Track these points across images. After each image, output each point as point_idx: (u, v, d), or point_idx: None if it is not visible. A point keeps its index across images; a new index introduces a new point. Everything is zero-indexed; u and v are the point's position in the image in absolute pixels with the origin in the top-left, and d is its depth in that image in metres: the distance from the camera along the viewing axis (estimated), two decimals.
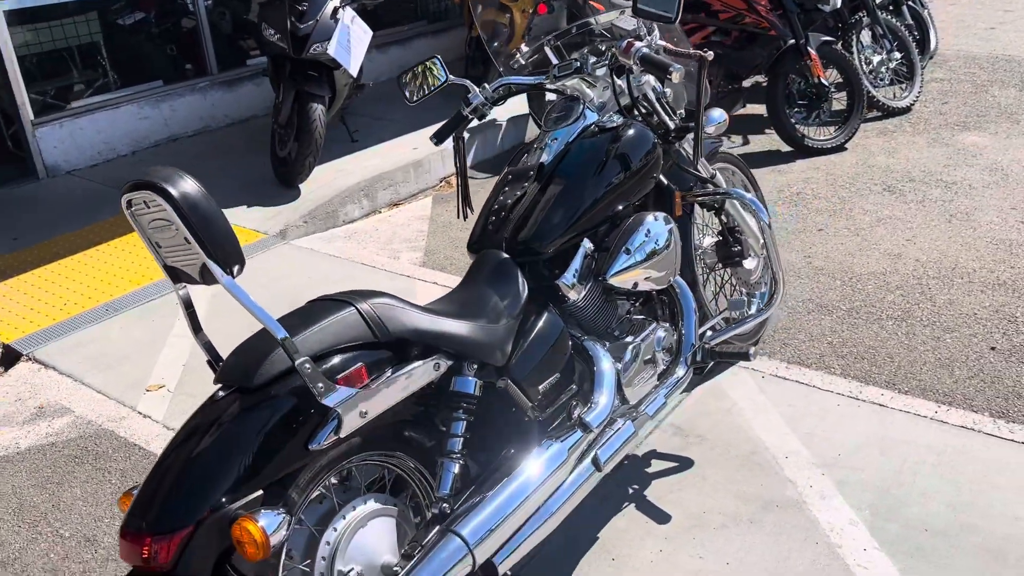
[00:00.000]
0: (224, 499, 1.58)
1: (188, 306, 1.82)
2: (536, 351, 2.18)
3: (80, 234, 4.89)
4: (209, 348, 1.86)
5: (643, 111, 2.64)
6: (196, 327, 1.84)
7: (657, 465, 2.74)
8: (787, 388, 3.10)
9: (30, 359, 3.73)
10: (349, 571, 1.82)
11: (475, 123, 2.82)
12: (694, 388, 3.12)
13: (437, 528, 1.87)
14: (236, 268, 1.67)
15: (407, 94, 2.71)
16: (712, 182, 2.86)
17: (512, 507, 1.93)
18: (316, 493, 1.87)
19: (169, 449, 1.67)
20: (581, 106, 2.56)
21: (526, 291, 2.23)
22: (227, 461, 1.62)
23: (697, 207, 3.04)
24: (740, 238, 3.06)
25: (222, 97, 6.69)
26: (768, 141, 5.94)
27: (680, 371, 2.57)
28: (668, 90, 2.70)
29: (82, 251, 4.67)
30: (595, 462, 2.19)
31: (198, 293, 4.14)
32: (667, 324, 2.59)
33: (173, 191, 1.58)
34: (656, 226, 2.46)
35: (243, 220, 4.93)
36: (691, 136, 2.73)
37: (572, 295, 2.33)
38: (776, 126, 5.74)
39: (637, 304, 2.60)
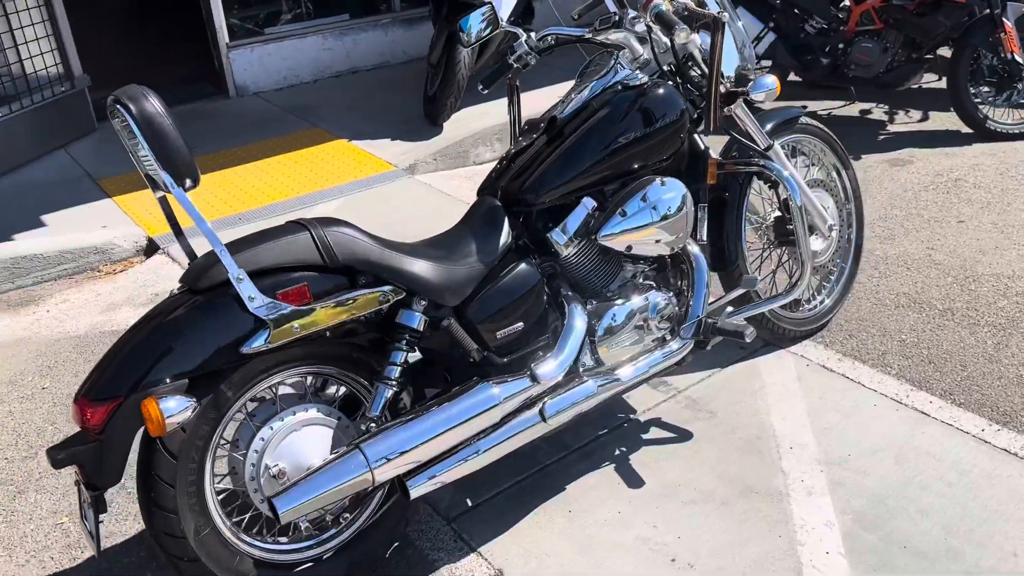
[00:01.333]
0: (153, 380, 1.81)
1: (167, 212, 2.06)
2: (499, 298, 2.24)
3: (246, 149, 5.43)
4: (190, 252, 2.10)
5: (687, 72, 2.56)
6: (177, 231, 2.08)
7: (655, 432, 2.72)
8: (827, 380, 2.93)
9: (164, 253, 4.26)
10: (274, 466, 2.02)
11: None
12: (729, 365, 3.03)
13: (349, 443, 2.03)
14: (188, 182, 1.87)
15: (463, 39, 2.79)
16: (762, 153, 2.73)
17: (425, 438, 2.04)
18: (262, 393, 2.08)
19: (125, 333, 1.93)
20: (613, 60, 2.53)
21: (508, 239, 2.29)
22: (161, 349, 1.85)
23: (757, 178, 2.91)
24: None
25: (402, 34, 7.05)
26: (949, 119, 5.41)
27: (674, 343, 2.52)
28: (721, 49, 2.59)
29: (240, 164, 5.18)
30: (541, 413, 2.23)
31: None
32: (669, 292, 2.54)
33: (132, 106, 1.80)
34: (658, 191, 2.40)
35: (382, 152, 5.24)
36: (740, 103, 2.63)
37: (562, 250, 2.36)
38: (955, 104, 5.21)
39: (648, 268, 2.57)
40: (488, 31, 2.71)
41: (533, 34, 2.68)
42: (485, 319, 2.22)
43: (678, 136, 2.48)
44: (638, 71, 2.50)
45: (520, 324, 2.28)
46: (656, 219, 2.40)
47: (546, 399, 2.25)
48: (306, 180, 4.93)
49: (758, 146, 2.74)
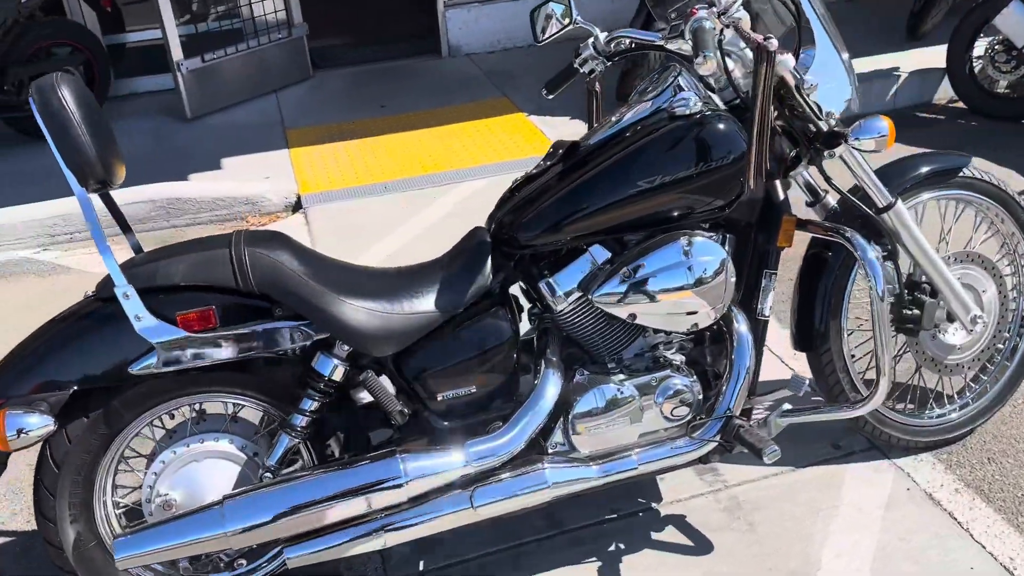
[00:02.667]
0: (17, 391, 1.72)
1: (109, 206, 1.95)
2: (447, 354, 1.91)
3: (433, 112, 5.34)
4: (136, 250, 1.98)
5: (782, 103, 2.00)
6: (124, 227, 1.97)
7: (671, 533, 2.24)
8: (925, 515, 2.25)
9: (302, 212, 4.31)
10: (165, 495, 1.88)
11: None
12: (807, 466, 2.43)
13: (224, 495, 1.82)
14: (93, 183, 1.74)
15: (536, 32, 2.41)
16: (867, 212, 2.09)
17: (297, 509, 1.79)
18: (174, 415, 1.94)
19: (29, 335, 1.85)
20: (672, 77, 2.03)
21: (486, 282, 1.93)
22: (46, 357, 1.76)
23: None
24: (920, 299, 2.21)
25: (629, 2, 6.58)
26: None
27: (682, 441, 2.02)
28: (812, 79, 1.98)
29: (423, 127, 5.10)
30: (471, 498, 1.88)
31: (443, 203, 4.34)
32: (691, 376, 2.03)
33: (36, 97, 1.68)
34: (678, 253, 1.91)
35: (553, 132, 4.91)
36: (849, 148, 2.03)
37: (553, 304, 1.96)
38: None
39: (683, 338, 2.08)
40: (559, 28, 2.32)
41: (603, 36, 2.24)
42: (424, 376, 1.91)
43: (728, 185, 1.95)
44: (693, 96, 1.98)
45: (472, 388, 1.93)
46: (671, 287, 1.91)
47: (481, 484, 1.90)
48: (469, 152, 4.75)
49: (864, 206, 2.10)
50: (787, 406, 2.17)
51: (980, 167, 2.34)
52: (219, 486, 1.89)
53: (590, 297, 1.93)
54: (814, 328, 2.27)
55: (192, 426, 1.93)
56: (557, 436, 1.98)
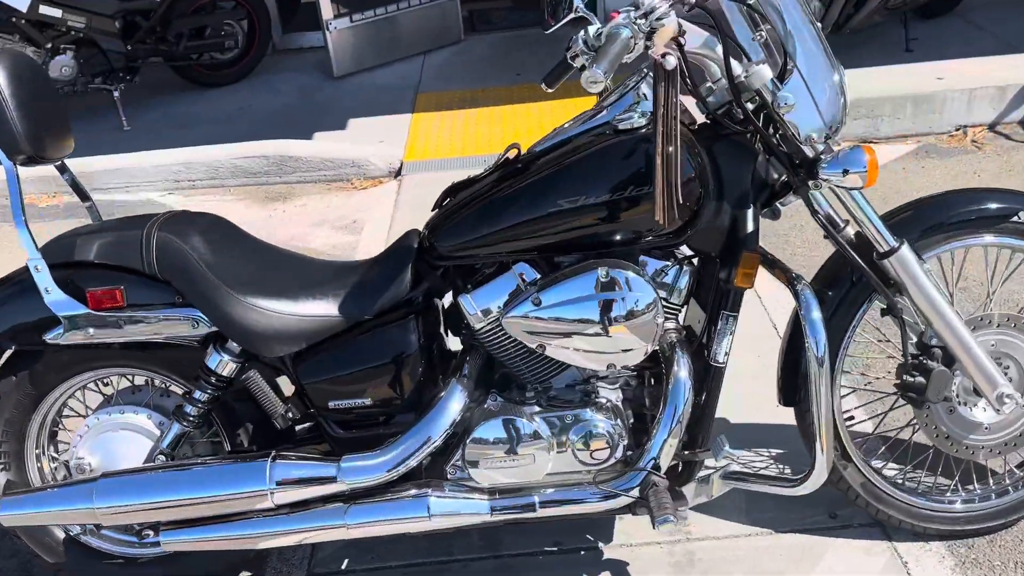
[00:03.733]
0: None
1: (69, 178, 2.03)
2: (343, 362, 1.82)
3: (570, 85, 5.15)
4: (95, 219, 2.06)
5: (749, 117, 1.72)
6: (83, 195, 2.05)
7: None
8: None
9: (398, 179, 4.35)
10: (82, 458, 1.97)
11: None
12: (787, 532, 2.12)
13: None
14: (21, 158, 1.81)
15: (545, 15, 2.21)
16: (863, 268, 1.76)
17: (164, 497, 1.80)
18: (108, 382, 2.02)
19: None
20: (634, 83, 1.79)
21: (403, 289, 1.82)
22: None
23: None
24: (927, 365, 1.84)
25: None
26: None
27: (589, 490, 1.81)
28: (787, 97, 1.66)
29: (555, 99, 4.95)
30: (346, 514, 1.81)
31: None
32: (615, 419, 1.81)
33: None
34: (590, 285, 1.69)
35: None
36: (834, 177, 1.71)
37: (473, 321, 1.82)
38: None
39: (626, 376, 1.87)
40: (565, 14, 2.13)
41: (593, 28, 2.02)
42: (317, 382, 1.84)
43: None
44: (643, 109, 1.74)
45: (367, 400, 1.84)
46: (579, 320, 1.71)
47: (359, 502, 1.82)
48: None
49: (858, 258, 1.77)
50: (734, 467, 1.90)
51: None
52: (129, 458, 1.95)
53: (501, 320, 1.78)
54: (799, 379, 1.96)
55: (118, 396, 2.00)
56: (457, 463, 1.85)
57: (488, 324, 1.82)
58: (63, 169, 2.03)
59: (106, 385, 2.06)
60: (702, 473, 1.91)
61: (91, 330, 1.82)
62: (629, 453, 1.84)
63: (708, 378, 1.85)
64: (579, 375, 1.89)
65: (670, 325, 1.85)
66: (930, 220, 1.88)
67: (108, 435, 1.97)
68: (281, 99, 5.39)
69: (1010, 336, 1.92)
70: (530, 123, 4.70)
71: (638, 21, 1.53)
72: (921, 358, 1.87)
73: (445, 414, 1.80)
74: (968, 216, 1.87)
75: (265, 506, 1.80)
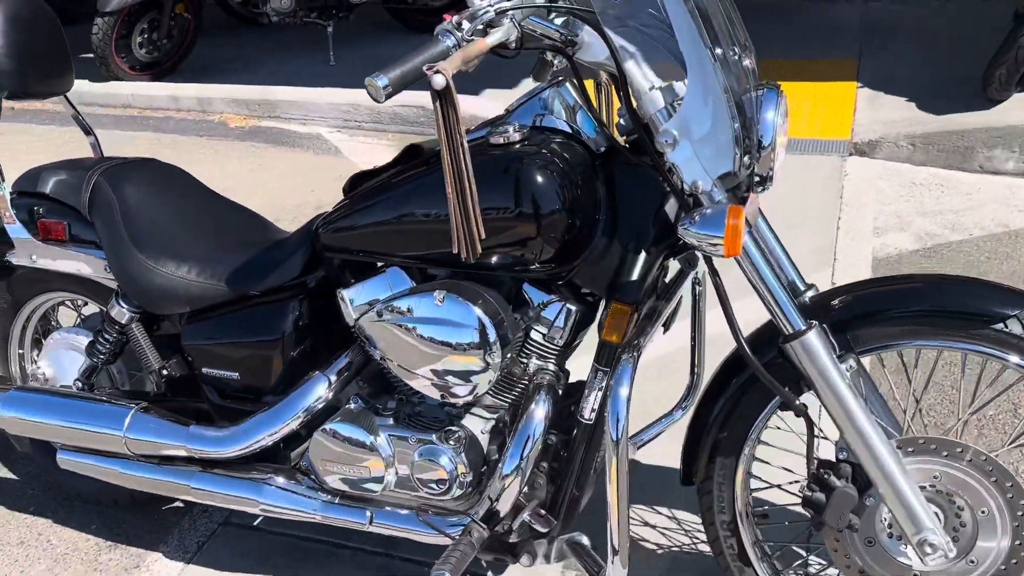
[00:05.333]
0: None
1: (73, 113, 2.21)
2: (220, 331, 1.82)
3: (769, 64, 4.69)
4: (96, 151, 2.24)
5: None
6: (86, 130, 2.23)
7: None
8: None
9: None
10: (38, 369, 2.18)
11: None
12: None
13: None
14: (4, 93, 2.00)
15: None
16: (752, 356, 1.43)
17: (48, 418, 1.95)
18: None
19: None
20: (539, 91, 1.59)
21: (290, 273, 1.78)
22: None
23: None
24: (828, 482, 1.48)
25: None
26: None
27: (435, 518, 1.67)
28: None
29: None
30: (190, 479, 1.85)
31: None
32: (460, 453, 1.64)
33: None
34: (423, 307, 1.54)
35: (863, 112, 4.00)
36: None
37: (344, 315, 1.75)
38: None
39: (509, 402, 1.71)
40: None
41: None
42: (193, 345, 1.86)
43: (525, 244, 1.50)
44: (516, 125, 1.53)
45: (235, 373, 1.84)
46: (410, 340, 1.57)
47: (204, 470, 1.84)
48: None
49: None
50: (583, 540, 1.66)
51: None
52: (69, 375, 2.13)
53: (356, 322, 1.69)
54: (696, 458, 1.67)
55: (80, 319, 2.19)
56: (306, 456, 1.81)
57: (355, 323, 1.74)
58: (68, 101, 2.20)
59: (85, 306, 2.25)
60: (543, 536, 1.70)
61: (34, 256, 2.00)
62: (469, 491, 1.69)
63: (574, 436, 1.63)
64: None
65: (542, 365, 1.65)
66: (900, 309, 1.49)
67: (60, 352, 2.16)
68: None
69: (963, 473, 1.48)
70: None
71: (462, 29, 1.33)
72: (825, 471, 1.51)
73: (296, 403, 1.76)
74: (934, 311, 1.46)
75: (121, 451, 1.89)
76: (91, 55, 5.32)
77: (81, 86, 5.37)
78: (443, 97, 1.25)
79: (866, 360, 1.63)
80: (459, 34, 1.32)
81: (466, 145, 1.30)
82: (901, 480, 1.45)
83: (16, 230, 2.00)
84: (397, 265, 1.68)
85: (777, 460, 1.72)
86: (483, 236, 1.35)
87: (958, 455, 1.47)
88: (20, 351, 2.29)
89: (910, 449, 1.49)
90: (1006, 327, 1.43)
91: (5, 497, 2.37)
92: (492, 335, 1.52)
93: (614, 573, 1.54)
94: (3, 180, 2.00)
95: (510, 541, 1.68)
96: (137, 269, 1.84)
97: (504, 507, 1.64)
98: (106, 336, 2.00)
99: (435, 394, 1.61)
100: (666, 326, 1.88)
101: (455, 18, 1.34)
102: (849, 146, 3.78)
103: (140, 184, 1.95)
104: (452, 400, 1.61)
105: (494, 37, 1.33)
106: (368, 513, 1.75)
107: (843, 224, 3.24)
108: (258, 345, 1.82)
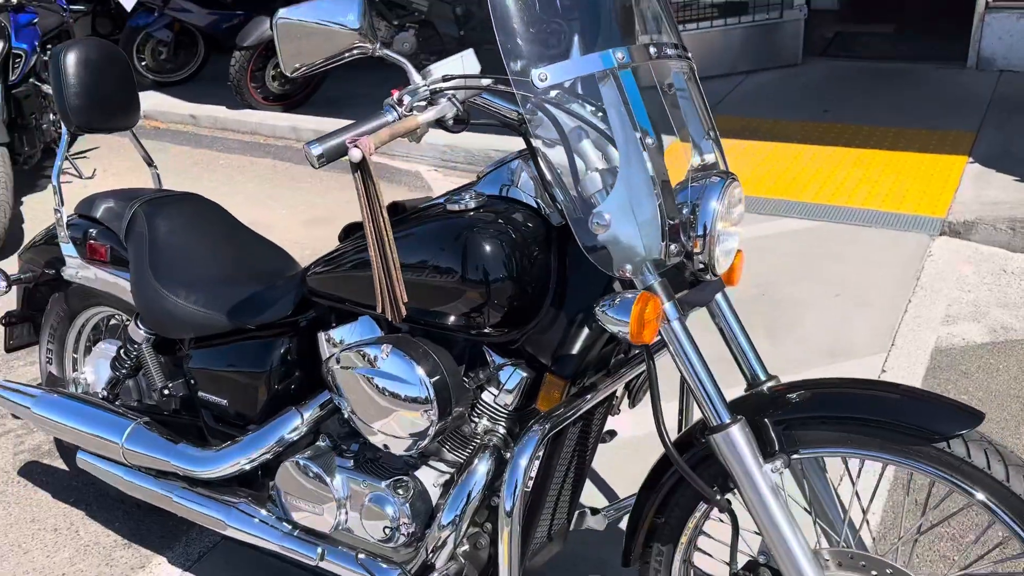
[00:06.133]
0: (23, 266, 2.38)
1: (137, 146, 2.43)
2: (214, 359, 1.95)
3: (878, 132, 4.52)
4: (156, 182, 2.45)
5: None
6: (148, 162, 2.45)
7: None
8: None
9: None
10: (82, 375, 2.40)
11: None
12: None
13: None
14: (73, 125, 2.23)
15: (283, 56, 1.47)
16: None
17: (66, 419, 2.14)
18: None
19: None
20: (509, 159, 1.63)
21: (283, 311, 1.89)
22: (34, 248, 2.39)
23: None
24: None
25: None
26: None
27: (378, 560, 1.72)
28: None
29: (843, 146, 4.39)
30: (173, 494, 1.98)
31: None
32: (405, 503, 1.68)
33: (50, 60, 2.21)
34: (372, 357, 1.60)
35: (966, 187, 3.78)
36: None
37: (322, 357, 1.85)
38: None
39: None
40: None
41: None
42: (193, 368, 2.00)
43: (467, 308, 1.53)
44: (471, 194, 1.57)
45: (226, 400, 1.96)
46: (356, 389, 1.63)
47: (188, 487, 1.96)
48: (854, 188, 3.97)
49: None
50: None
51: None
52: (102, 383, 2.33)
53: (324, 364, 1.77)
54: (635, 540, 1.64)
55: (121, 333, 2.40)
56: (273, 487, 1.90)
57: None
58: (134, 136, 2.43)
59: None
60: None
61: (80, 273, 2.22)
62: (410, 542, 1.73)
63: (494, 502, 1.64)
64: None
65: (491, 427, 1.67)
66: (825, 411, 1.43)
67: (99, 361, 2.37)
68: None
69: None
70: (803, 168, 4.23)
71: (402, 103, 1.40)
72: (746, 573, 1.45)
73: (269, 436, 1.86)
74: (875, 420, 1.38)
75: (118, 458, 2.05)
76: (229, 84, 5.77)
77: (217, 111, 5.86)
78: (361, 169, 1.32)
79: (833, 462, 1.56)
80: (400, 109, 1.40)
81: (385, 214, 1.36)
82: None
83: (68, 248, 2.22)
84: (368, 315, 1.76)
85: (721, 553, 1.66)
86: (406, 299, 1.40)
87: (883, 572, 1.39)
88: (74, 355, 2.52)
89: (838, 562, 1.42)
90: (948, 447, 1.34)
91: (55, 485, 2.61)
92: (429, 392, 1.56)
93: None
94: (63, 204, 2.23)
95: None
96: (151, 294, 2.01)
97: (439, 562, 1.67)
98: (125, 352, 2.18)
99: (379, 443, 1.67)
100: (632, 402, 1.87)
101: (397, 94, 1.41)
102: (942, 225, 3.57)
103: (172, 217, 2.12)
104: (394, 452, 1.66)
105: (427, 115, 1.39)
106: (320, 550, 1.81)
107: (912, 308, 3.07)
108: (247, 375, 1.94)
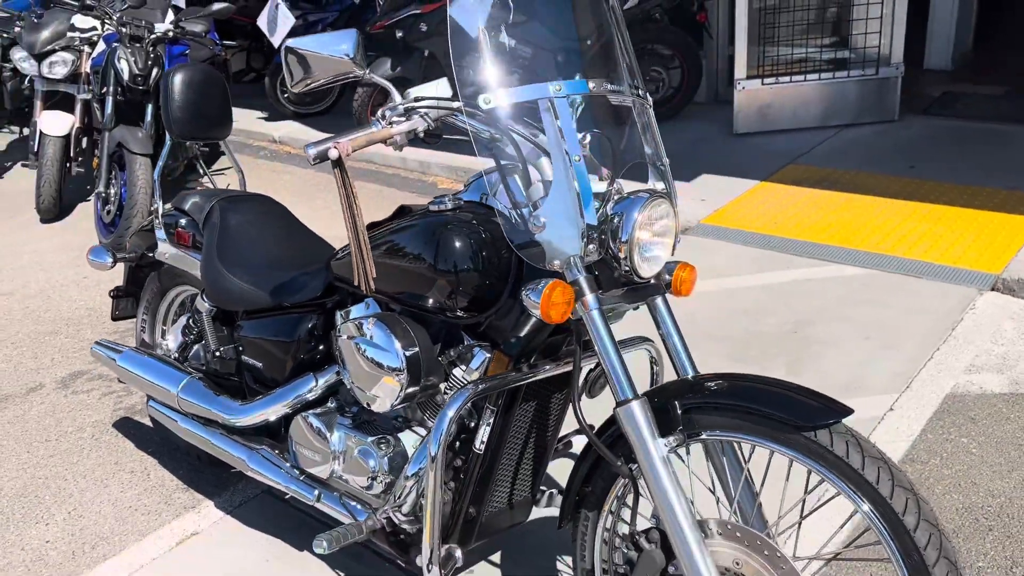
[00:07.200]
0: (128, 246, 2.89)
1: (228, 156, 2.90)
2: (254, 329, 2.34)
3: (961, 189, 4.53)
4: (242, 186, 2.91)
5: None
6: (239, 170, 2.91)
7: None
8: None
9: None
10: (165, 342, 2.85)
11: None
12: None
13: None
14: (176, 136, 2.72)
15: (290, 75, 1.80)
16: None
17: (140, 371, 2.56)
18: None
19: None
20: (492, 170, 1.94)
21: (312, 294, 2.25)
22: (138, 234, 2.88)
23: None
24: (639, 542, 1.64)
25: None
26: None
27: (361, 506, 2.05)
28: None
29: (924, 201, 4.41)
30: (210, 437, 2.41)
31: None
32: (383, 455, 1.99)
33: (161, 84, 2.71)
34: (360, 327, 1.93)
35: None
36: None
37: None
38: None
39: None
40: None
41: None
42: (241, 336, 2.39)
43: (437, 293, 1.83)
44: (451, 196, 1.89)
45: (260, 364, 2.34)
46: (346, 355, 1.97)
47: (223, 433, 2.35)
48: (916, 240, 4.04)
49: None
50: (457, 553, 1.92)
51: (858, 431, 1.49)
52: (176, 347, 2.78)
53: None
54: (566, 507, 1.88)
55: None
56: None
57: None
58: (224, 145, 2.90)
59: None
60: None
61: (167, 255, 2.68)
62: (385, 492, 2.03)
63: (465, 463, 1.92)
64: (402, 411, 2.11)
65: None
66: (717, 398, 1.64)
67: (177, 330, 2.82)
68: (674, 145, 5.69)
69: (760, 566, 1.56)
70: (880, 220, 4.32)
71: (384, 117, 1.74)
72: (640, 534, 1.67)
73: (286, 395, 2.22)
74: (755, 409, 1.58)
75: (174, 405, 2.47)
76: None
77: None
78: (340, 166, 1.66)
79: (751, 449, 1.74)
80: (382, 123, 1.74)
81: (359, 204, 1.70)
82: (697, 554, 1.58)
83: (160, 234, 2.70)
84: (373, 297, 2.10)
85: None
86: (375, 275, 1.73)
87: (757, 547, 1.58)
88: (163, 327, 3.00)
89: (720, 532, 1.62)
90: (815, 436, 1.53)
91: (139, 437, 3.08)
92: (402, 362, 1.87)
93: (424, 565, 1.81)
94: (161, 198, 2.72)
95: (403, 541, 1.99)
96: (215, 273, 2.43)
97: (405, 508, 1.97)
98: (193, 321, 2.62)
99: (363, 402, 1.99)
100: (591, 393, 2.11)
101: (381, 110, 1.76)
102: (995, 281, 3.58)
103: (242, 212, 2.55)
104: (375, 410, 1.98)
105: (401, 127, 1.72)
106: (317, 492, 2.15)
107: (939, 355, 3.13)
108: (279, 345, 2.32)
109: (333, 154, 1.65)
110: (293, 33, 6.82)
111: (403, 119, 1.75)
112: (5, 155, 7.23)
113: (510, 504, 2.09)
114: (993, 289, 3.57)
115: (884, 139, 5.41)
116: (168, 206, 2.74)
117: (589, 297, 1.67)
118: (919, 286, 3.64)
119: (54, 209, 5.44)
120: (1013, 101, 5.78)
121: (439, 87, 1.80)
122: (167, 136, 2.76)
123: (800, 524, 1.66)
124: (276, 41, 6.79)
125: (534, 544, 2.38)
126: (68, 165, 5.46)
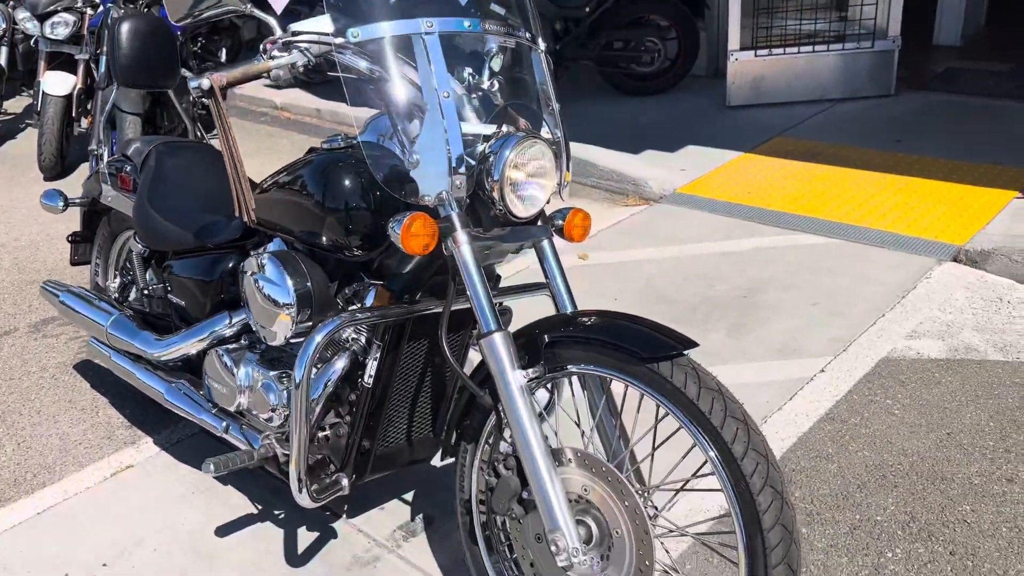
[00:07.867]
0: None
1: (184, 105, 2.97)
2: (182, 268, 2.42)
3: (944, 164, 4.46)
4: (195, 133, 2.99)
5: None
6: (192, 118, 2.99)
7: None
8: None
9: (656, 205, 4.43)
10: (113, 281, 2.95)
11: None
12: None
13: None
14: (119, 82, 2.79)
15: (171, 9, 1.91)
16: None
17: (79, 311, 2.65)
18: None
19: None
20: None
21: (233, 235, 2.33)
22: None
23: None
24: (497, 468, 1.69)
25: None
26: None
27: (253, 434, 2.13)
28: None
29: (904, 175, 4.35)
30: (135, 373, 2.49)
31: None
32: (281, 387, 2.06)
33: (111, 30, 2.78)
34: (259, 265, 1.99)
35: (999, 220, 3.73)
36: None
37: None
38: None
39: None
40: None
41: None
42: (166, 274, 2.47)
43: (324, 230, 1.89)
44: (343, 136, 1.94)
45: (183, 301, 2.41)
46: (247, 286, 2.04)
47: (148, 368, 2.45)
48: (888, 212, 4.01)
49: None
50: (343, 481, 1.99)
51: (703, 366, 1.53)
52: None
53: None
54: (448, 439, 1.94)
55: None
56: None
57: None
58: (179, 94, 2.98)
59: None
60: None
61: (110, 198, 2.77)
62: (283, 424, 2.10)
63: (358, 397, 1.98)
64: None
65: (352, 335, 2.01)
66: (574, 333, 1.68)
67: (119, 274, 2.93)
68: (665, 115, 5.71)
69: (604, 493, 1.60)
70: (858, 192, 4.29)
71: (265, 51, 1.78)
72: (499, 460, 1.71)
73: (201, 331, 2.30)
74: (606, 342, 1.62)
75: (104, 340, 2.56)
76: None
77: (339, 107, 6.52)
78: (214, 97, 1.72)
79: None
80: (263, 56, 1.79)
81: (234, 134, 1.75)
82: (546, 479, 1.62)
83: (106, 179, 2.79)
84: (279, 237, 2.16)
85: None
86: (253, 206, 1.79)
87: (603, 474, 1.62)
88: (115, 270, 3.10)
89: (570, 459, 1.66)
90: (657, 368, 1.56)
91: (95, 379, 3.18)
92: (291, 297, 1.93)
93: (298, 500, 1.88)
94: (111, 146, 2.80)
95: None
96: (144, 214, 2.51)
97: (297, 440, 2.03)
98: (129, 261, 2.71)
99: (261, 336, 2.06)
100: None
101: (263, 43, 1.81)
102: (956, 252, 3.55)
103: (178, 158, 2.62)
104: (270, 343, 2.04)
105: (278, 61, 1.77)
106: (225, 424, 2.23)
107: (882, 322, 3.12)
108: (200, 284, 2.40)
109: (205, 84, 1.71)
110: None
111: (285, 54, 1.79)
112: (19, 118, 7.42)
113: (408, 441, 2.14)
114: (955, 260, 3.53)
115: (876, 113, 5.34)
116: (113, 153, 2.83)
117: (460, 233, 1.71)
118: (879, 255, 3.62)
119: (56, 167, 5.59)
120: (1015, 78, 5.66)
121: (321, 23, 1.84)
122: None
123: (653, 455, 1.69)
124: (279, 8, 6.87)
125: (449, 484, 2.44)
126: (71, 124, 5.60)
